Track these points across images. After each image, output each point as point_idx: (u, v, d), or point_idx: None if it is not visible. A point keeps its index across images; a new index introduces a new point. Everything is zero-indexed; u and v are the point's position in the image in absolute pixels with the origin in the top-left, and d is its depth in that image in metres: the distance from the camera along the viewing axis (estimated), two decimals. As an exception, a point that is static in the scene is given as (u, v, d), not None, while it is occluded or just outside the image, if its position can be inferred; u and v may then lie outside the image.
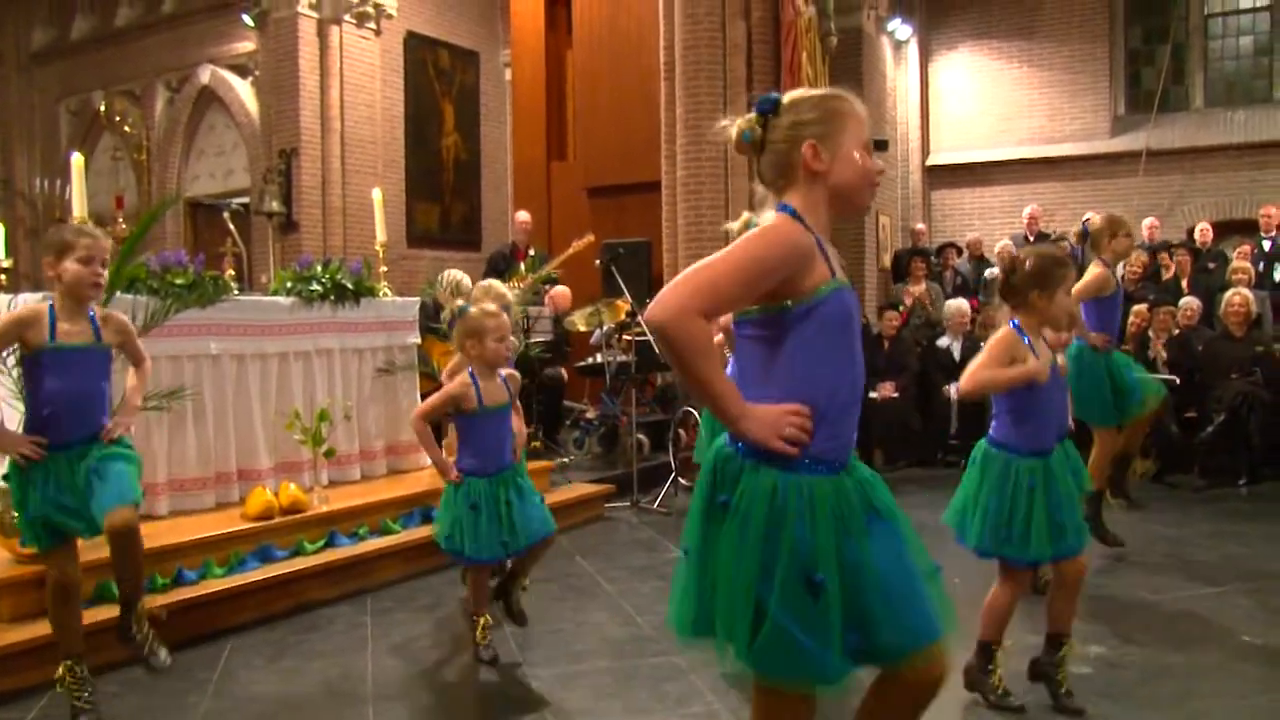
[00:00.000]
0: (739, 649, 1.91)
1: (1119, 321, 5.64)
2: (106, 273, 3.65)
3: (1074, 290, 5.23)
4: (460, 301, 4.36)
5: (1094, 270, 5.36)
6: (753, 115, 2.06)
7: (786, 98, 2.03)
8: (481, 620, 4.24)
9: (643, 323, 1.87)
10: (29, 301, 4.55)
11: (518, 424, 4.36)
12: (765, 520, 1.90)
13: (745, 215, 3.96)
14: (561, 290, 9.23)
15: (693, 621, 1.99)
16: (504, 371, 4.24)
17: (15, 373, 4.17)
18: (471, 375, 4.12)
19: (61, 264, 3.52)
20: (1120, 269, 5.64)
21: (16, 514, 3.65)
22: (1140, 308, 8.58)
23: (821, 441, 1.95)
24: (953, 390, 8.54)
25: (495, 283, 5.38)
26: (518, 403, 4.38)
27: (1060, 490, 3.51)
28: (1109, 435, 5.60)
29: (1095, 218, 5.54)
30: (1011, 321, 3.51)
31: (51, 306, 3.54)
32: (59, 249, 3.53)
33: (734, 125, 2.09)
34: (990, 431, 3.61)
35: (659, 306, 1.85)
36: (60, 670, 3.59)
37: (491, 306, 4.21)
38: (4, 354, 4.10)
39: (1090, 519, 5.44)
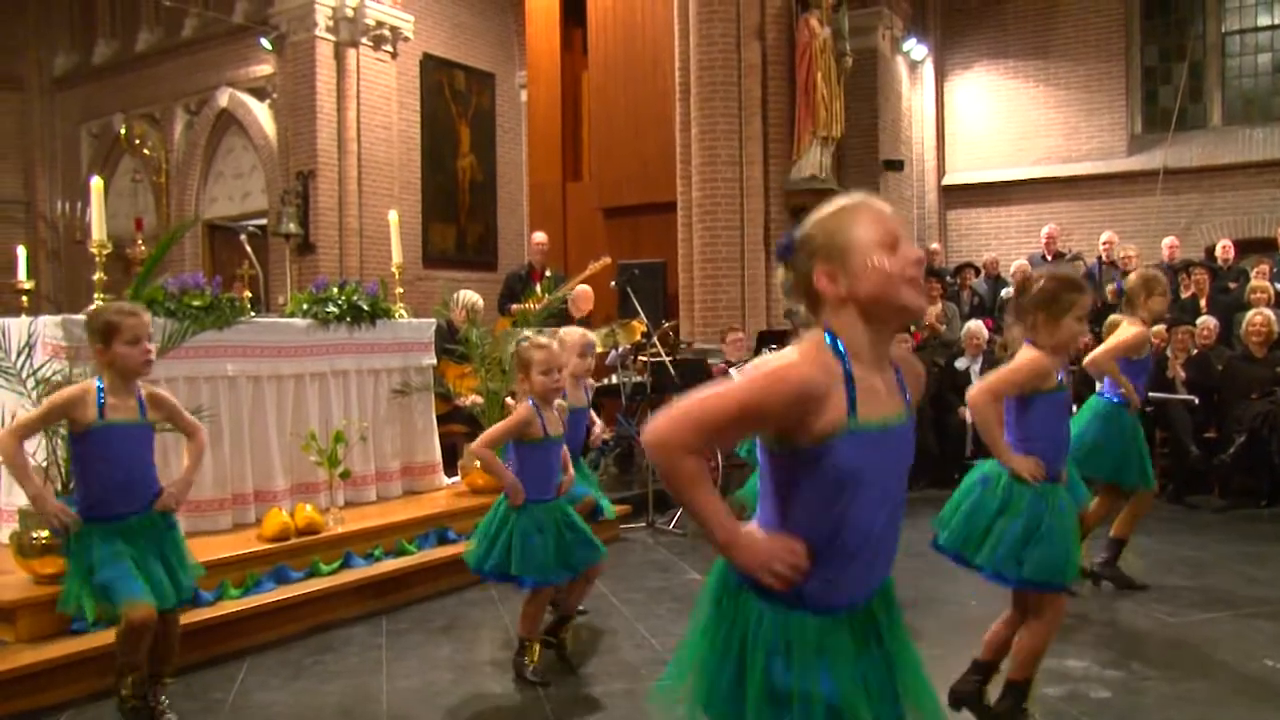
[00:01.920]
0: None
1: (1147, 382, 5.59)
2: (155, 348, 3.71)
3: (1112, 346, 5.15)
4: (527, 332, 4.47)
5: (1133, 329, 5.18)
6: (780, 266, 1.96)
7: (799, 233, 1.91)
8: (535, 645, 4.26)
9: (642, 443, 1.82)
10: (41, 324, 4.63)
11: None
12: (765, 657, 1.84)
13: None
14: (583, 290, 9.21)
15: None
16: (556, 403, 4.30)
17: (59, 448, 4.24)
18: (533, 404, 4.18)
19: (111, 348, 3.57)
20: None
21: (71, 587, 3.61)
22: (1159, 328, 8.53)
23: (816, 584, 1.85)
24: (967, 414, 8.49)
25: (575, 330, 5.22)
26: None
27: (1071, 519, 3.48)
28: (1146, 495, 5.44)
29: (1132, 277, 5.46)
30: (1027, 341, 3.46)
31: (100, 383, 3.60)
32: (104, 334, 3.58)
33: (780, 279, 2.00)
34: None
35: (654, 435, 1.81)
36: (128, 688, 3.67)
37: (544, 340, 4.26)
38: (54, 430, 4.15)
39: (1107, 564, 5.41)
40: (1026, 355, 3.43)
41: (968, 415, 8.44)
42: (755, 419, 1.81)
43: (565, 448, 4.41)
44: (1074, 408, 5.23)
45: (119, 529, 3.58)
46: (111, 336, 3.57)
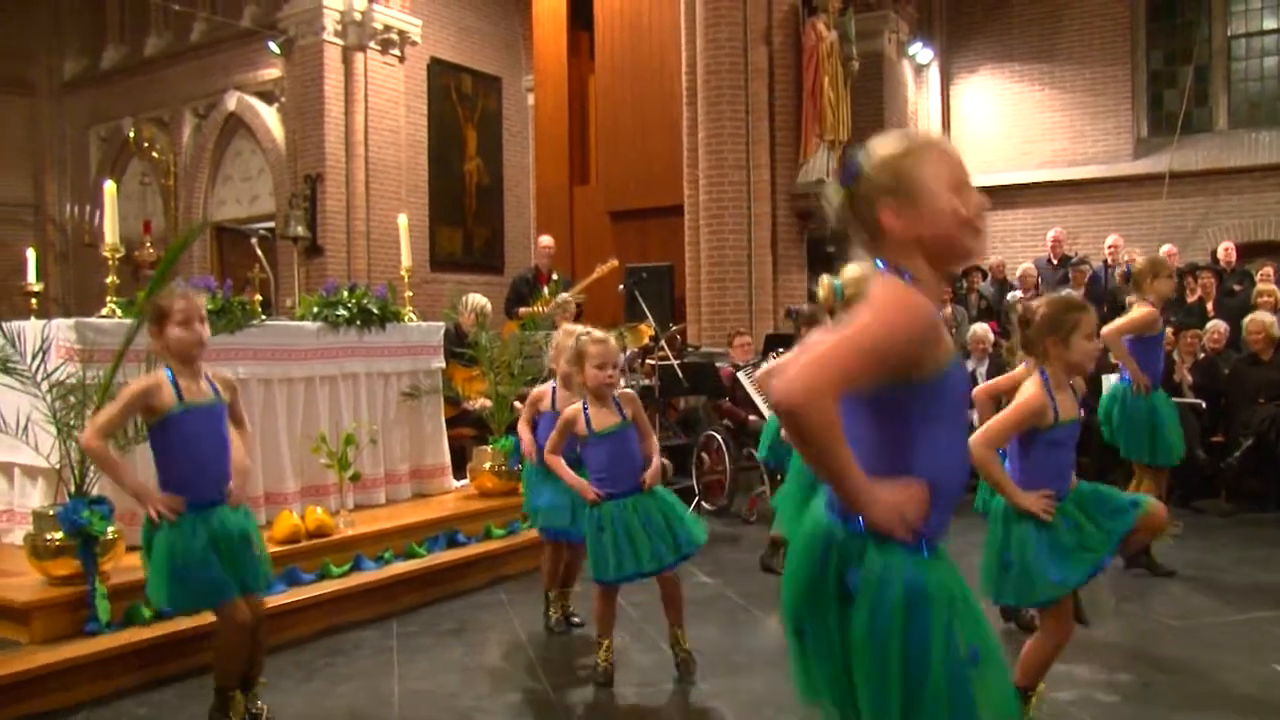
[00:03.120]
0: None
1: (1161, 363, 5.68)
2: (208, 329, 3.71)
3: (1121, 324, 5.32)
4: (566, 323, 4.50)
5: (1142, 309, 5.43)
6: (840, 190, 1.93)
7: (867, 162, 1.89)
8: (606, 642, 4.27)
9: (775, 404, 1.74)
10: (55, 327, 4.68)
11: (646, 449, 4.34)
12: (905, 604, 1.81)
13: (826, 279, 3.95)
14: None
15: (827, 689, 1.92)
16: (617, 393, 4.31)
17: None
18: (583, 401, 4.24)
19: (165, 332, 3.59)
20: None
21: (155, 578, 3.59)
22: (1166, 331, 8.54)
23: (936, 523, 1.87)
24: (974, 417, 8.49)
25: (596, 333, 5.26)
26: (646, 427, 4.38)
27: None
28: (1159, 474, 5.67)
29: (1139, 260, 5.57)
30: (1040, 371, 3.45)
31: (170, 370, 3.61)
32: (157, 317, 3.61)
33: (832, 192, 1.96)
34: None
35: (788, 387, 1.71)
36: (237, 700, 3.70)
37: (599, 334, 4.30)
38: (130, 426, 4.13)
39: (1140, 552, 5.50)
40: (1023, 395, 3.41)
41: (975, 419, 8.45)
42: (891, 352, 1.76)
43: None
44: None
45: (205, 518, 3.56)
46: (164, 319, 3.59)
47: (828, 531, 1.90)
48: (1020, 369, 3.69)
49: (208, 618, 4.57)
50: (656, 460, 4.35)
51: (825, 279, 3.95)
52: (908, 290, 1.82)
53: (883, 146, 1.89)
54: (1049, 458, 3.43)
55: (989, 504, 3.61)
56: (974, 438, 3.34)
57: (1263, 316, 8.20)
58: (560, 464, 4.35)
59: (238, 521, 3.65)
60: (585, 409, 4.22)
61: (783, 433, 1.85)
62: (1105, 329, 5.28)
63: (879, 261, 1.89)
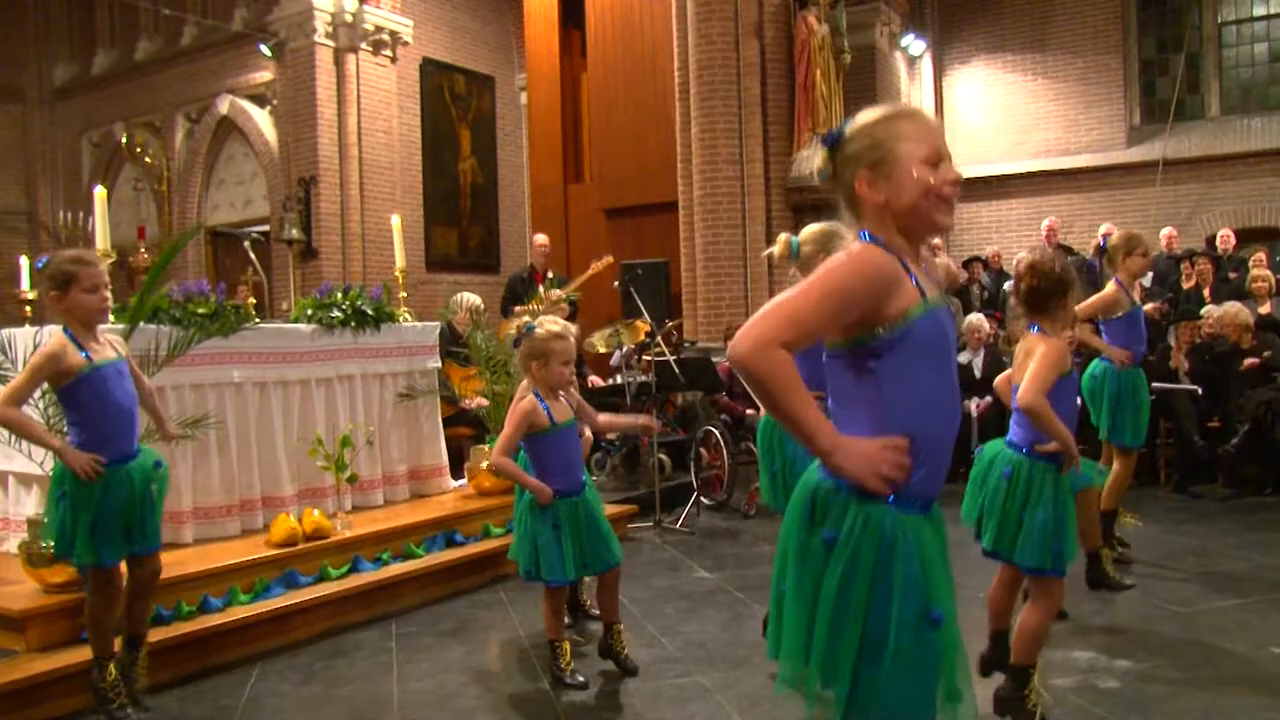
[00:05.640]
0: (840, 691, 1.83)
1: (1144, 336, 5.57)
2: (109, 294, 3.82)
3: (1081, 308, 5.25)
4: (526, 319, 4.42)
5: (1107, 289, 5.39)
6: (823, 152, 1.98)
7: (848, 128, 1.94)
8: (563, 645, 4.22)
9: (728, 360, 1.77)
10: (46, 334, 4.66)
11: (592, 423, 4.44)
12: (875, 559, 1.82)
13: (784, 236, 3.96)
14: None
15: (802, 651, 1.89)
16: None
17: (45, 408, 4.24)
18: (536, 395, 4.15)
19: (69, 296, 3.67)
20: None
21: (54, 541, 3.78)
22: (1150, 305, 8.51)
23: (919, 477, 1.87)
24: (974, 407, 8.51)
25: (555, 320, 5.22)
26: (583, 405, 4.40)
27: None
28: (1130, 457, 5.60)
29: (1114, 234, 5.53)
30: (1037, 329, 3.57)
31: (69, 333, 3.69)
32: (62, 281, 3.68)
33: (815, 159, 2.02)
34: (1020, 443, 3.58)
35: (740, 340, 1.76)
36: (111, 673, 3.81)
37: (558, 328, 4.22)
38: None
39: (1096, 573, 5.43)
40: (1050, 347, 3.51)
41: (974, 409, 8.46)
42: (841, 304, 1.80)
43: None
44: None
45: (121, 475, 3.71)
46: (70, 284, 3.67)
47: (815, 487, 1.91)
48: (1020, 349, 3.72)
49: (209, 619, 4.61)
50: (605, 418, 4.52)
51: (783, 236, 3.96)
52: (867, 246, 1.88)
53: (865, 115, 1.94)
54: (1061, 403, 3.54)
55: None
56: (1021, 393, 3.46)
57: (1228, 308, 8.25)
58: (514, 465, 4.17)
59: (144, 476, 3.79)
60: (542, 402, 4.13)
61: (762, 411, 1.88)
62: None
63: (861, 233, 1.93)
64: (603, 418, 4.57)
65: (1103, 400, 5.46)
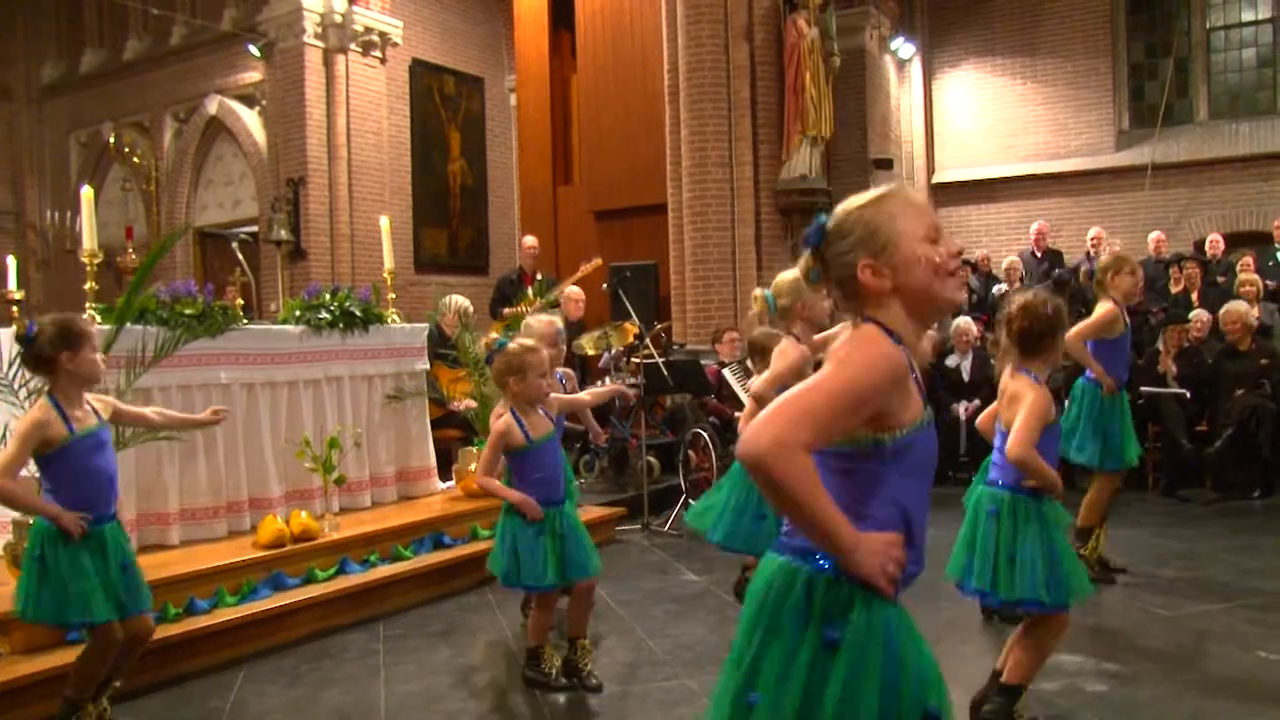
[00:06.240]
0: None
1: (1128, 363, 5.55)
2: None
3: (1081, 328, 5.22)
4: (495, 335, 4.37)
5: (1103, 308, 5.32)
6: (807, 252, 1.90)
7: (830, 222, 1.86)
8: (548, 649, 4.21)
9: (739, 457, 1.70)
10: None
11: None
12: (883, 660, 1.76)
13: (758, 292, 3.96)
14: (574, 292, 9.20)
15: None
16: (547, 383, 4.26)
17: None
18: (513, 413, 4.09)
19: (80, 355, 3.58)
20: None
21: (28, 603, 3.62)
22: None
23: (909, 568, 1.83)
24: (962, 410, 8.53)
25: (542, 318, 5.09)
26: (570, 400, 4.43)
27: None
28: (1111, 478, 5.52)
29: (1104, 257, 5.51)
30: (1029, 373, 3.58)
31: (54, 400, 3.59)
32: (78, 340, 3.58)
33: (801, 267, 1.94)
34: (1002, 479, 3.58)
35: (757, 439, 1.64)
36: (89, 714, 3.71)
37: (531, 342, 4.18)
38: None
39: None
40: (1036, 396, 3.50)
41: (962, 412, 8.48)
42: (858, 401, 1.72)
43: None
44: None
45: (97, 538, 3.61)
46: (83, 342, 3.60)
47: (808, 579, 1.80)
48: (1006, 390, 3.69)
49: (196, 621, 4.59)
50: (587, 394, 4.56)
51: (757, 292, 3.96)
52: (880, 336, 1.80)
53: (847, 204, 1.87)
54: (1048, 452, 3.56)
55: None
56: (1010, 447, 3.46)
57: (1237, 306, 8.22)
58: (497, 484, 4.13)
59: (121, 543, 3.71)
60: (517, 419, 4.09)
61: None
62: (1069, 333, 5.25)
63: (866, 318, 1.86)
64: (585, 394, 4.57)
65: (1082, 420, 5.40)
